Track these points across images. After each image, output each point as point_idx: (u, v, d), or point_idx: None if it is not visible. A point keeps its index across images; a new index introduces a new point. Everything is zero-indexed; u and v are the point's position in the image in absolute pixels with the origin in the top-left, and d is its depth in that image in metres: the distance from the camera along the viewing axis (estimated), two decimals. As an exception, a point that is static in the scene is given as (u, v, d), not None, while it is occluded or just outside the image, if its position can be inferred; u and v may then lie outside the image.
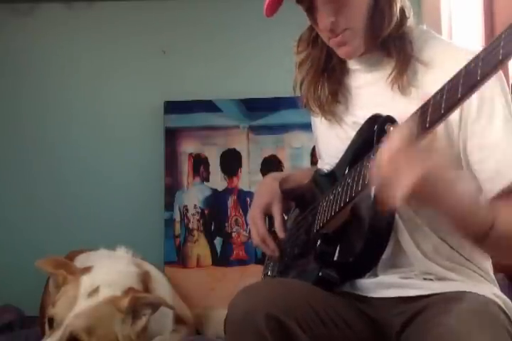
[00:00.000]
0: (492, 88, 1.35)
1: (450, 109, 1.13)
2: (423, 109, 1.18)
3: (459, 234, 1.26)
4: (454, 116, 1.35)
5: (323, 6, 1.39)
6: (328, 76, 1.53)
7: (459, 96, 1.10)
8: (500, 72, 1.38)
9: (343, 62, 1.52)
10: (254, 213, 1.65)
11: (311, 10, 1.43)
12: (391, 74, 1.43)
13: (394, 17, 1.41)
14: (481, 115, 1.35)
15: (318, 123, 1.60)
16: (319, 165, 1.67)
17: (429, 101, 1.17)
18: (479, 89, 1.29)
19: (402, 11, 1.44)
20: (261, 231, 1.62)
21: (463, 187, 1.19)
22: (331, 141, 1.56)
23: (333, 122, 1.55)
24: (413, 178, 1.10)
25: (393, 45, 1.43)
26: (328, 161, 1.58)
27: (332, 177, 1.50)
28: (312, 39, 1.53)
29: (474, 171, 1.38)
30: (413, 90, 1.40)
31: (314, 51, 1.53)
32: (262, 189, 1.69)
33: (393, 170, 1.12)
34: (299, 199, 1.69)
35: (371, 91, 1.48)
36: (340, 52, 1.45)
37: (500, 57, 1.01)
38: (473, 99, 1.34)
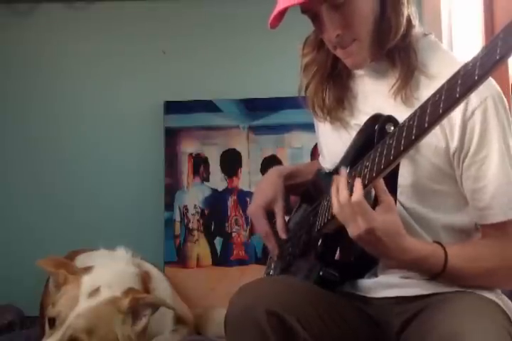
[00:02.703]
0: (494, 122, 1.37)
1: (448, 108, 1.14)
2: (422, 109, 1.18)
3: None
4: (455, 145, 1.38)
5: (328, 19, 1.38)
6: (334, 82, 1.53)
7: (457, 96, 1.11)
8: (506, 106, 1.40)
9: (349, 70, 1.52)
10: (255, 208, 1.64)
11: (316, 20, 1.42)
12: (394, 85, 1.43)
13: (400, 27, 1.40)
14: (480, 149, 1.37)
15: (322, 125, 1.60)
16: (321, 162, 1.67)
17: (428, 100, 1.18)
18: (483, 127, 1.36)
19: (409, 19, 1.43)
20: (264, 227, 1.62)
21: (409, 243, 1.32)
22: (334, 143, 1.55)
23: (337, 126, 1.55)
24: (357, 230, 1.28)
25: (398, 55, 1.42)
26: (329, 160, 1.58)
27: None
28: (318, 42, 1.52)
29: (468, 198, 1.41)
30: (416, 102, 1.39)
31: (320, 55, 1.53)
32: (265, 184, 1.68)
33: (341, 215, 1.30)
34: (300, 199, 1.69)
35: (376, 98, 1.48)
36: (347, 62, 1.45)
37: (498, 57, 1.02)
38: (476, 132, 1.37)
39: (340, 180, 1.31)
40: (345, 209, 1.29)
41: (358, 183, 1.28)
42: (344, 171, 1.33)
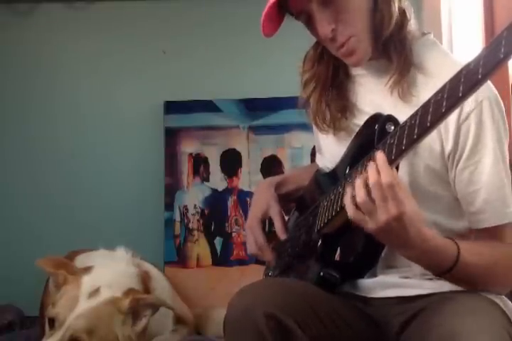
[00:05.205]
0: (489, 125, 1.36)
1: (451, 107, 1.13)
2: (424, 108, 1.18)
3: (423, 267, 1.35)
4: (449, 148, 1.38)
5: (320, 14, 1.38)
6: (335, 92, 1.52)
7: (460, 95, 1.10)
8: (502, 109, 1.39)
9: (348, 74, 1.52)
10: (252, 222, 1.64)
11: (310, 22, 1.41)
12: (390, 79, 1.42)
13: (394, 15, 1.40)
14: (474, 153, 1.37)
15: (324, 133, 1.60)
16: (317, 161, 1.66)
17: (430, 99, 1.18)
18: (477, 130, 1.35)
19: (403, 11, 1.43)
20: (259, 241, 1.61)
21: (427, 230, 1.28)
22: (335, 146, 1.55)
23: (341, 134, 1.54)
24: (386, 216, 1.21)
25: (394, 49, 1.42)
26: (330, 161, 1.57)
27: (333, 176, 1.50)
28: (318, 57, 1.52)
29: (460, 201, 1.41)
30: (414, 99, 1.39)
31: (319, 68, 1.52)
32: (256, 197, 1.69)
33: (367, 205, 1.22)
34: (299, 200, 1.69)
35: (373, 96, 1.48)
36: (350, 61, 1.45)
37: (502, 56, 1.02)
38: (470, 135, 1.36)
39: (370, 168, 1.22)
40: (374, 192, 1.21)
41: (385, 165, 1.21)
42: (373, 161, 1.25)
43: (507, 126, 1.40)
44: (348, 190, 1.27)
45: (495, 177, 1.37)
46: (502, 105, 1.40)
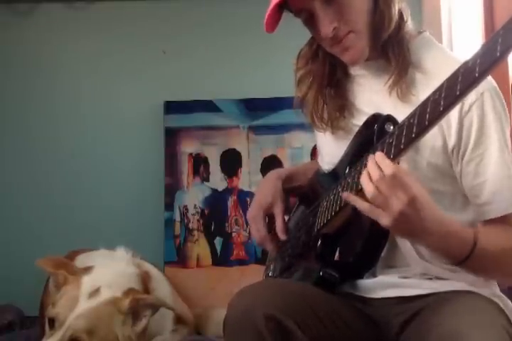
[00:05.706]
0: (491, 116, 1.37)
1: (449, 106, 1.14)
2: (423, 107, 1.18)
3: (442, 256, 1.33)
4: (453, 142, 1.38)
5: (323, 12, 1.38)
6: (333, 91, 1.52)
7: (458, 93, 1.11)
8: (503, 100, 1.39)
9: (346, 73, 1.52)
10: (255, 212, 1.64)
11: (310, 20, 1.41)
12: (389, 80, 1.42)
13: (393, 18, 1.41)
14: (479, 144, 1.37)
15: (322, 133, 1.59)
16: (320, 162, 1.67)
17: (428, 98, 1.18)
18: (480, 121, 1.35)
19: (400, 13, 1.43)
20: (261, 232, 1.61)
21: (442, 212, 1.27)
22: (335, 146, 1.55)
23: (339, 134, 1.54)
24: (400, 204, 1.20)
25: (391, 50, 1.42)
26: (329, 161, 1.57)
27: (333, 176, 1.50)
28: (312, 54, 1.52)
29: (467, 194, 1.41)
30: (414, 99, 1.39)
31: (315, 65, 1.52)
32: (265, 187, 1.68)
33: (379, 198, 1.22)
34: (299, 200, 1.69)
35: (372, 96, 1.48)
36: (346, 58, 1.44)
37: (498, 54, 1.02)
38: (473, 127, 1.36)
39: (370, 164, 1.24)
40: (381, 186, 1.20)
41: (383, 159, 1.22)
42: (372, 156, 1.26)
43: (508, 117, 1.40)
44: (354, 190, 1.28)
45: (501, 167, 1.37)
46: (502, 96, 1.40)
